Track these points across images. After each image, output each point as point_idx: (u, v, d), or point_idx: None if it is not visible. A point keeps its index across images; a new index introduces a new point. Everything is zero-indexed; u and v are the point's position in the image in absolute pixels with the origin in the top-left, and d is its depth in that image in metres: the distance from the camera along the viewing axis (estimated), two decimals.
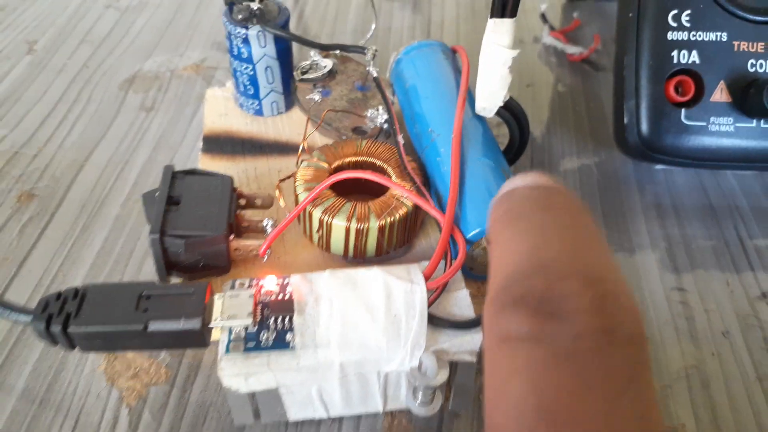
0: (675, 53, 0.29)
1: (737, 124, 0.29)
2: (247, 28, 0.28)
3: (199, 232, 0.23)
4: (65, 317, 0.20)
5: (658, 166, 0.33)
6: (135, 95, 0.35)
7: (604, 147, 0.34)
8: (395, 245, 0.25)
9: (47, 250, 0.28)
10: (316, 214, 0.24)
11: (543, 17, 0.41)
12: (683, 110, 0.29)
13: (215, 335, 0.21)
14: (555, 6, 0.44)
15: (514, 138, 0.28)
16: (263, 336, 0.21)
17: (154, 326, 0.20)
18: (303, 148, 0.26)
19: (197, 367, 0.24)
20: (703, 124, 0.29)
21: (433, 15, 0.43)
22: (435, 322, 0.21)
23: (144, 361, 0.24)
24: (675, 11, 0.29)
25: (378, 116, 0.28)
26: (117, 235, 0.28)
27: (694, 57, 0.29)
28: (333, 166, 0.26)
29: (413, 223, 0.25)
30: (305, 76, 0.29)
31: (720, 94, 0.29)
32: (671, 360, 0.25)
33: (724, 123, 0.29)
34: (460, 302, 0.22)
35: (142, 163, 0.31)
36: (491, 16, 0.24)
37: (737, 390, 0.24)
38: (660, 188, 0.32)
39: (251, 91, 0.30)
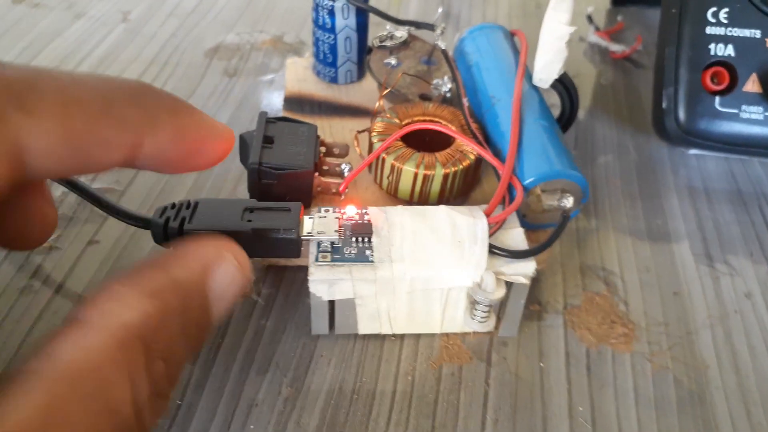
0: (712, 46, 0.32)
1: (766, 113, 0.32)
2: (333, 0, 0.31)
3: (291, 166, 0.27)
4: (181, 220, 0.23)
5: (692, 151, 0.36)
6: (219, 62, 0.39)
7: (642, 133, 0.37)
8: (455, 194, 0.29)
9: (144, 185, 0.31)
10: (389, 160, 0.28)
11: (589, 18, 0.44)
12: (717, 98, 0.32)
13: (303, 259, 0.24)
14: (600, 11, 0.48)
15: (564, 109, 0.31)
16: (346, 250, 0.24)
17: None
18: (380, 104, 0.30)
19: (278, 288, 0.27)
20: (735, 111, 0.32)
21: (487, 13, 0.47)
22: (494, 250, 0.24)
23: None
24: (714, 9, 0.32)
25: (442, 85, 0.32)
26: (206, 175, 0.32)
27: (730, 50, 0.32)
28: (403, 122, 0.29)
29: (473, 175, 0.29)
30: (383, 43, 0.33)
31: (752, 85, 0.32)
32: (697, 311, 0.28)
33: (755, 111, 0.32)
34: (516, 238, 0.25)
35: (227, 117, 0.35)
36: None
37: (757, 342, 0.27)
38: (692, 172, 0.35)
39: (330, 59, 0.34)
